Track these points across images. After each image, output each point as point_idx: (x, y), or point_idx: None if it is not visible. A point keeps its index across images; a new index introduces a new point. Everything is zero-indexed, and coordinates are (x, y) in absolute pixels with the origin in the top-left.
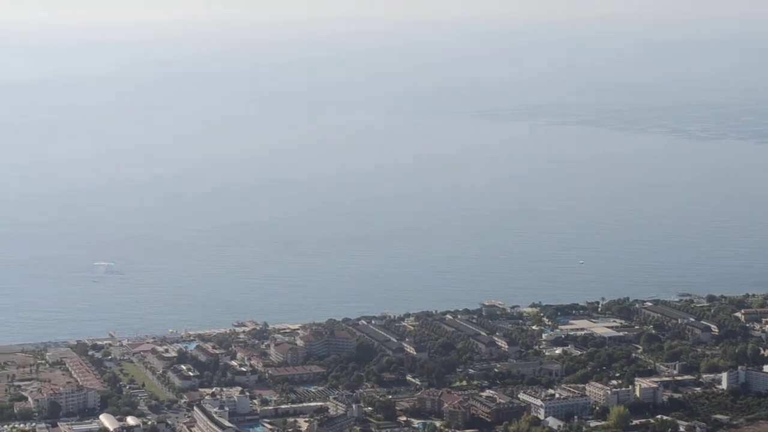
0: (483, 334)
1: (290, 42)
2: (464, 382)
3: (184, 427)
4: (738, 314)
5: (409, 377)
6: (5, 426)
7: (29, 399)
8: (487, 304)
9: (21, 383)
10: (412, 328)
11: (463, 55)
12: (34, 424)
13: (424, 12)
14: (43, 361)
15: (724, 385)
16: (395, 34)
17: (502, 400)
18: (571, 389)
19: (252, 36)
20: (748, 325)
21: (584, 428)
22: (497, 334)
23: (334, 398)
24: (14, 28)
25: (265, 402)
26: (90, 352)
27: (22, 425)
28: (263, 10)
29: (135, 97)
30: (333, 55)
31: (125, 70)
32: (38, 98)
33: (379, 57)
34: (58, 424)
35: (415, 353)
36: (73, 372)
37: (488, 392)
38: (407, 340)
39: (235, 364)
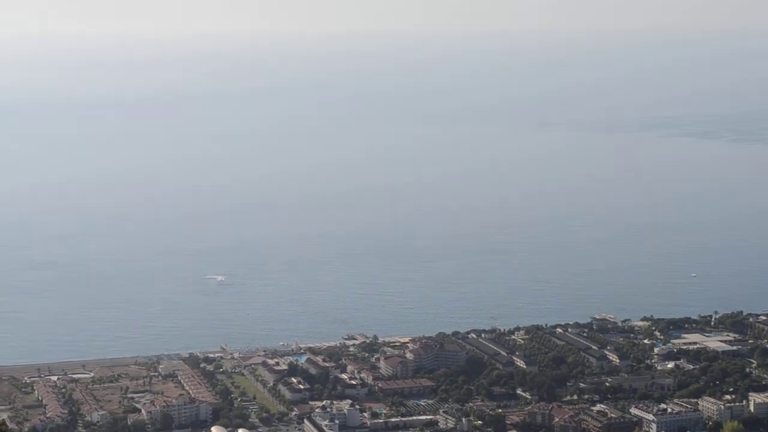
0: (594, 347)
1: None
2: (575, 397)
3: None
4: None
5: (519, 391)
6: None
7: (142, 411)
8: (597, 317)
9: (134, 395)
10: (522, 341)
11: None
12: None
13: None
14: (156, 374)
15: None
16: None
17: (613, 415)
18: (684, 404)
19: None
20: None
21: None
22: (608, 347)
23: (444, 412)
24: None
25: (375, 415)
26: (202, 365)
27: None
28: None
29: (235, 112)
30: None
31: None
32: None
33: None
34: None
35: (525, 367)
36: (185, 384)
37: (599, 407)
38: (517, 353)
39: (345, 377)
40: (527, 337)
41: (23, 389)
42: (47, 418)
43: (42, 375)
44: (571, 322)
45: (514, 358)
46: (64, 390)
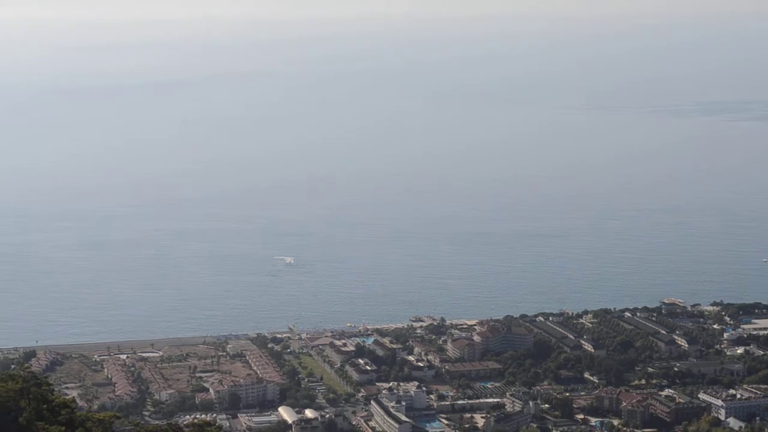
0: (662, 332)
1: (453, 38)
2: (643, 381)
3: (361, 420)
4: None
5: (586, 375)
6: (187, 416)
7: (210, 390)
8: (667, 302)
9: (203, 374)
10: (590, 325)
11: (629, 50)
12: (214, 414)
13: (580, 8)
14: (224, 353)
15: None
16: (551, 31)
17: (681, 400)
18: (753, 390)
19: (410, 32)
20: None
21: (766, 429)
22: (677, 332)
23: (511, 395)
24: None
25: (441, 397)
26: (270, 345)
27: (203, 416)
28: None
29: (310, 94)
30: (494, 53)
31: (299, 67)
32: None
33: (544, 53)
34: (238, 415)
35: (593, 351)
36: (252, 364)
37: (667, 391)
38: (585, 337)
39: (412, 359)
40: (595, 320)
41: (93, 367)
42: (116, 396)
43: (111, 354)
44: (639, 307)
45: (582, 342)
46: (133, 368)
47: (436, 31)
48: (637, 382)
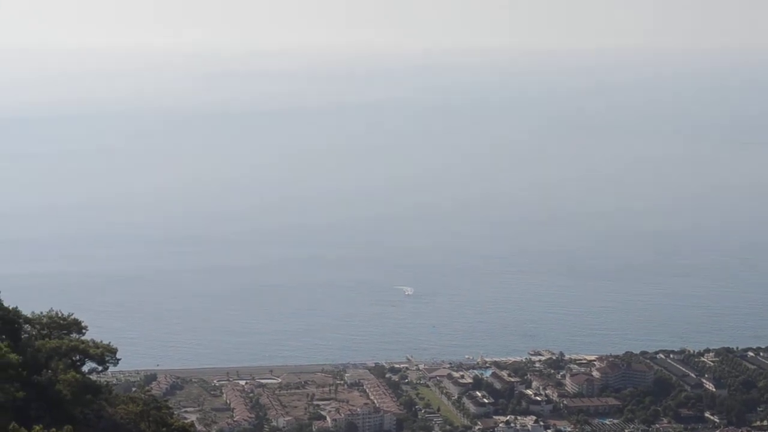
0: None
1: (554, 71)
2: (765, 422)
3: None
4: None
5: (707, 414)
6: None
7: (327, 418)
8: None
9: (320, 402)
10: (711, 364)
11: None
12: None
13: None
14: (341, 382)
15: None
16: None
17: None
18: None
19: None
20: None
21: None
22: None
23: None
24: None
25: None
26: (387, 375)
27: None
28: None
29: (421, 123)
30: (599, 84)
31: (410, 95)
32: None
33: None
34: None
35: (714, 390)
36: (370, 393)
37: None
38: (707, 376)
39: (530, 392)
40: (717, 359)
41: (212, 392)
42: (234, 421)
43: (230, 379)
44: (763, 346)
45: (703, 381)
46: (251, 394)
47: (537, 65)
48: (759, 422)
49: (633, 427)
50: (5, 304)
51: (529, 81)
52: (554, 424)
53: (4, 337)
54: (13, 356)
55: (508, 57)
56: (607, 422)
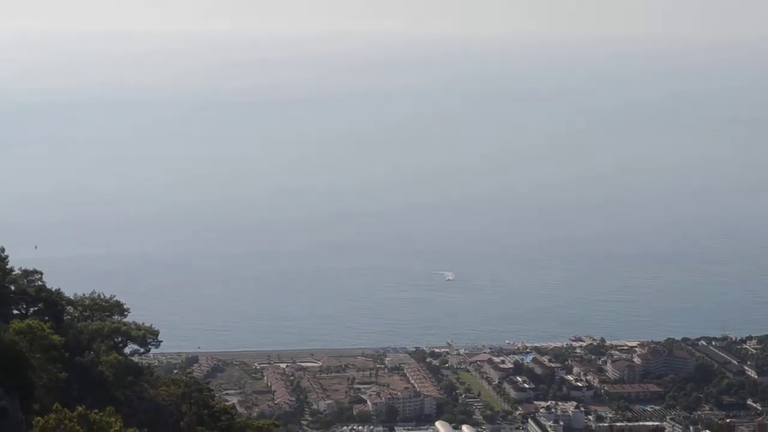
0: None
1: (576, 60)
2: None
3: None
4: None
5: (749, 401)
6: (345, 427)
7: (368, 402)
8: None
9: (361, 386)
10: (754, 351)
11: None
12: (371, 427)
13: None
14: (382, 366)
15: None
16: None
17: None
18: None
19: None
20: None
21: None
22: None
23: (671, 419)
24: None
25: (600, 418)
26: (428, 359)
27: (360, 427)
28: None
29: (448, 112)
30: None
31: (441, 85)
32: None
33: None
34: (395, 428)
35: (756, 377)
36: (410, 378)
37: None
38: (749, 363)
39: (571, 378)
40: (759, 346)
41: (253, 375)
42: (275, 404)
43: (272, 362)
44: None
45: (745, 368)
46: (292, 378)
47: (573, 52)
48: None
49: (674, 414)
50: (48, 286)
51: (568, 69)
52: (595, 410)
53: (47, 318)
54: (56, 337)
55: (543, 44)
56: (648, 408)
